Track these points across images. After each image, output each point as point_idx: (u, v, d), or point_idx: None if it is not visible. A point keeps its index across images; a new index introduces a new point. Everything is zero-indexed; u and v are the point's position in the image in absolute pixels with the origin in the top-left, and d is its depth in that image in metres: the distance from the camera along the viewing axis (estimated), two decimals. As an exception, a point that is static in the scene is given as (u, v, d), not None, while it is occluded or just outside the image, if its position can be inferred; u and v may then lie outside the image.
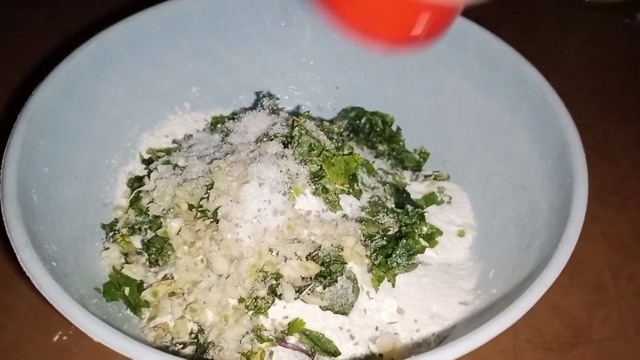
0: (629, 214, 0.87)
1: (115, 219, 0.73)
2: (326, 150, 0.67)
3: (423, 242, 0.69)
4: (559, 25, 1.18)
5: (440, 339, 0.63)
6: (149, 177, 0.72)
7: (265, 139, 0.68)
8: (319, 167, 0.66)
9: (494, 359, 0.71)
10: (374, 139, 0.83)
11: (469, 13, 0.75)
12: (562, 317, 0.75)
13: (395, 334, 0.62)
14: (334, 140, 0.70)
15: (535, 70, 0.68)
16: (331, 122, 0.81)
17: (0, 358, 0.70)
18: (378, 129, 0.84)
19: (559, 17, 1.19)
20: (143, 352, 0.43)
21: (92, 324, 0.45)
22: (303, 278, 0.61)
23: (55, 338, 0.72)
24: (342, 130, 0.79)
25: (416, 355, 0.45)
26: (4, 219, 0.53)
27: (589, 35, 1.16)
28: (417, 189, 0.77)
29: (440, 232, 0.71)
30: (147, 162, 0.78)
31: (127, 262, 0.67)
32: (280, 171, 0.64)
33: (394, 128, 0.85)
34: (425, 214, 0.72)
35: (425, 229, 0.69)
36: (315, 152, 0.67)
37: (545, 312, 0.75)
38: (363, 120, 0.85)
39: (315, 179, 0.66)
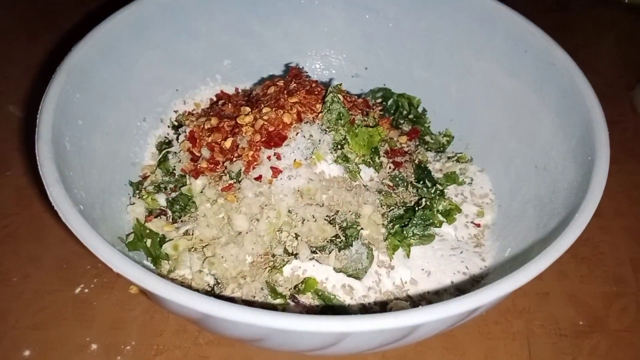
0: (654, 210, 0.86)
1: (142, 177, 0.75)
2: (351, 122, 0.68)
3: (441, 217, 0.69)
4: (593, 24, 1.17)
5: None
6: (177, 140, 0.74)
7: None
8: (342, 136, 0.67)
9: (506, 341, 0.71)
10: (400, 120, 0.83)
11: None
12: (578, 306, 0.74)
13: (407, 302, 0.63)
14: (361, 113, 0.72)
15: (563, 51, 0.68)
16: (359, 96, 0.82)
17: (23, 305, 0.73)
18: (404, 111, 0.85)
19: (594, 16, 1.18)
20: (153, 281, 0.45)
21: (113, 255, 0.47)
22: (319, 239, 0.62)
23: (77, 290, 0.75)
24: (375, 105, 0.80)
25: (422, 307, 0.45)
26: (37, 158, 0.55)
27: (624, 35, 1.15)
28: (438, 168, 0.78)
29: (459, 210, 0.71)
30: (177, 128, 0.80)
31: (150, 216, 0.69)
32: (304, 136, 0.65)
33: (420, 110, 0.85)
34: (445, 190, 0.72)
35: (444, 204, 0.69)
36: (342, 121, 0.68)
37: (561, 300, 0.75)
38: (390, 102, 0.86)
39: (338, 146, 0.67)
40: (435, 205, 0.68)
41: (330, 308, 0.60)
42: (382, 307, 0.62)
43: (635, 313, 0.74)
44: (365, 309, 0.61)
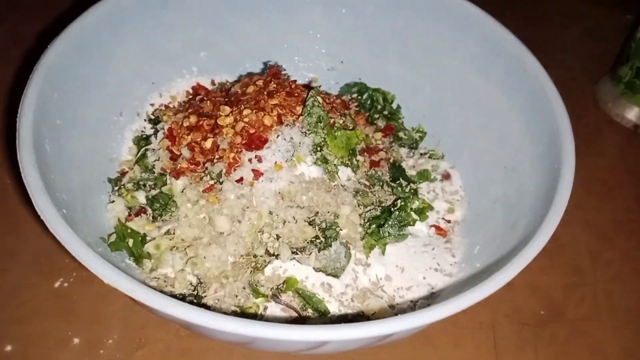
0: (612, 204, 0.91)
1: (121, 173, 0.75)
2: (331, 125, 0.70)
3: (414, 216, 0.72)
4: (561, 16, 1.20)
5: (424, 305, 0.67)
6: (155, 136, 0.75)
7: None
8: (322, 139, 0.69)
9: (473, 330, 0.75)
10: (374, 115, 0.85)
11: (475, -1, 0.77)
12: (540, 296, 0.79)
13: (382, 298, 0.66)
14: (340, 116, 0.73)
15: (535, 59, 0.71)
16: (337, 96, 0.84)
17: (2, 299, 0.74)
18: (379, 106, 0.87)
19: (562, 9, 1.21)
20: (150, 295, 0.46)
21: (103, 266, 0.48)
22: (299, 240, 0.64)
23: (57, 284, 0.75)
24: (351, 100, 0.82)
25: (401, 315, 0.48)
26: (20, 165, 0.55)
27: (590, 29, 1.18)
28: (411, 165, 0.80)
29: (431, 208, 0.74)
30: (154, 122, 0.80)
31: (130, 216, 0.70)
32: (284, 139, 0.67)
33: (394, 106, 0.87)
34: (418, 189, 0.75)
35: (417, 203, 0.72)
36: (321, 124, 0.69)
37: (524, 290, 0.80)
38: (365, 96, 0.88)
39: (317, 149, 0.68)
40: (409, 204, 0.71)
41: (310, 306, 0.63)
42: (360, 303, 0.65)
43: (591, 303, 0.79)
44: (342, 305, 0.65)
